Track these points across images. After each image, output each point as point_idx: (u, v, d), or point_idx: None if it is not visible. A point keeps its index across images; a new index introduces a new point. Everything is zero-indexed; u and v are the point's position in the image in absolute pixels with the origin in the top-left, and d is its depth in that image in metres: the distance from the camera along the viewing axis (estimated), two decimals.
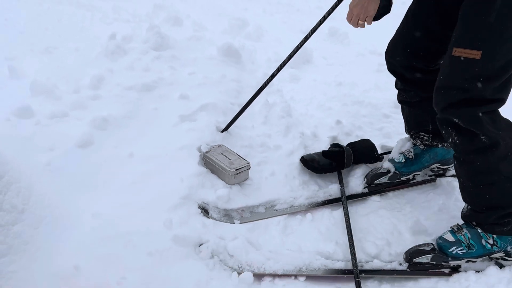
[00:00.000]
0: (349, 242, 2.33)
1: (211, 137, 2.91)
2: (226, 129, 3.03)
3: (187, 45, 3.96)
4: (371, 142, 2.98)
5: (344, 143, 3.19)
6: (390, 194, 2.78)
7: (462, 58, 2.02)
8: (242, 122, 3.14)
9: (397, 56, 2.52)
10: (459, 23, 2.07)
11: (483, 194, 2.20)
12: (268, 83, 2.87)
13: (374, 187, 2.76)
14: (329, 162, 2.82)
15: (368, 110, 3.73)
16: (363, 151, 2.91)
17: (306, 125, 3.41)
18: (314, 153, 2.90)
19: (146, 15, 5.04)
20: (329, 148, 2.96)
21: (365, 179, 2.80)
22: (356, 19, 2.35)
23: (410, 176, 2.82)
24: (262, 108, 3.40)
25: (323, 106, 3.77)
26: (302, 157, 2.85)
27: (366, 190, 2.76)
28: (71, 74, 3.42)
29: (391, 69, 2.60)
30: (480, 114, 2.06)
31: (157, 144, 2.80)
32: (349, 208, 2.63)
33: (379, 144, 3.18)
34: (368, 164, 2.95)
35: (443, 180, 2.82)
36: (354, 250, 2.29)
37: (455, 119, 2.09)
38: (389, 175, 2.79)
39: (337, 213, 2.59)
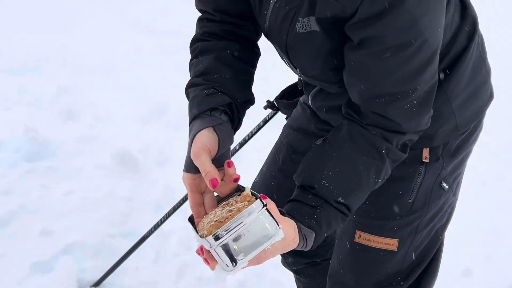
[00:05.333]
0: None
1: None
2: (98, 283, 2.36)
3: (73, 149, 3.25)
4: None
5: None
6: None
7: (370, 248, 1.37)
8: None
9: None
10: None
11: None
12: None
13: None
14: None
15: None
16: None
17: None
18: None
19: (50, 100, 4.34)
20: None
21: None
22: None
23: None
24: (153, 239, 2.69)
25: None
26: None
27: None
28: None
29: None
30: None
31: None
32: None
33: None
34: None
35: None
36: None
37: None
38: None
39: None
